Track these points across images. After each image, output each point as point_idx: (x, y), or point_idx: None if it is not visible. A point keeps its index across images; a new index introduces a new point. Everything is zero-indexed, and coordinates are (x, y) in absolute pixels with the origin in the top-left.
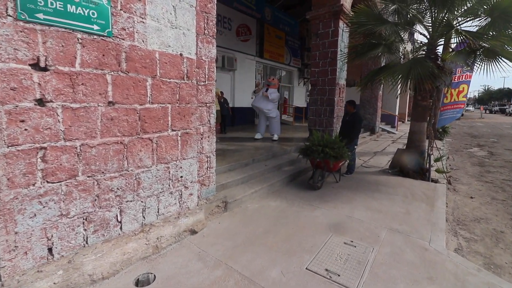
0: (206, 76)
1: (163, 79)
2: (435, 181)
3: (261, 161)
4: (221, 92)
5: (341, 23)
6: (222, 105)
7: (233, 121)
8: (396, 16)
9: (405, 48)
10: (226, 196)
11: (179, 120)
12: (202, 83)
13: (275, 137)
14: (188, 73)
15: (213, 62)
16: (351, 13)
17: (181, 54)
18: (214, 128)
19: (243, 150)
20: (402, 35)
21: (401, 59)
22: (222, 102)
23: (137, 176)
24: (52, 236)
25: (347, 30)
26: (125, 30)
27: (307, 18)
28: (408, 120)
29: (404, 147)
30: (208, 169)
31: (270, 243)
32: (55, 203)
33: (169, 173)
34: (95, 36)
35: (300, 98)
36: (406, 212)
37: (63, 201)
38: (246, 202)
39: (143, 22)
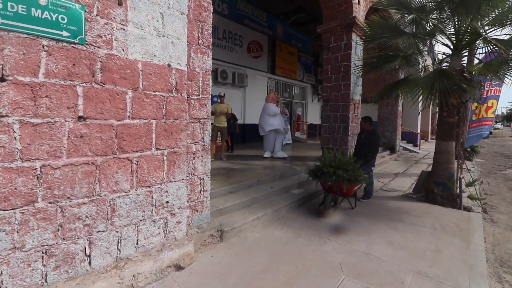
0: (200, 89)
1: (147, 91)
2: (468, 209)
3: (267, 182)
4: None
5: (354, 36)
6: (228, 122)
7: (243, 138)
8: (414, 26)
9: (425, 60)
10: (222, 223)
11: (165, 138)
12: (195, 97)
13: (284, 154)
14: (177, 86)
15: (208, 74)
16: (365, 25)
17: (169, 65)
18: (209, 147)
19: (249, 170)
20: (421, 47)
21: (421, 72)
22: (229, 119)
23: (111, 202)
24: (1, 273)
25: (361, 43)
26: (101, 37)
27: (318, 32)
28: (431, 138)
29: (429, 168)
30: (202, 192)
31: (268, 287)
32: (6, 234)
33: (152, 198)
34: (64, 44)
35: (314, 115)
36: (436, 249)
37: (17, 232)
38: (246, 230)
39: (124, 29)
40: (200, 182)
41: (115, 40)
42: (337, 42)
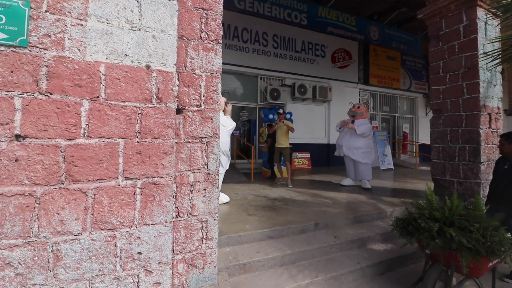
0: (203, 98)
1: (112, 102)
2: None
3: (331, 227)
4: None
5: (480, 12)
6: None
7: (328, 161)
8: None
9: None
10: None
11: (139, 163)
12: (195, 108)
13: (367, 184)
14: (160, 93)
15: (215, 78)
16: None
17: (147, 66)
18: (216, 177)
19: (312, 205)
20: None
21: None
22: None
23: (54, 247)
24: None
25: (493, 20)
26: (50, 37)
27: (419, 18)
28: None
29: None
30: (204, 241)
31: None
32: None
33: (116, 246)
34: (1, 48)
35: (428, 133)
36: None
37: None
38: None
39: (82, 25)
40: (202, 226)
41: (68, 39)
42: (452, 25)
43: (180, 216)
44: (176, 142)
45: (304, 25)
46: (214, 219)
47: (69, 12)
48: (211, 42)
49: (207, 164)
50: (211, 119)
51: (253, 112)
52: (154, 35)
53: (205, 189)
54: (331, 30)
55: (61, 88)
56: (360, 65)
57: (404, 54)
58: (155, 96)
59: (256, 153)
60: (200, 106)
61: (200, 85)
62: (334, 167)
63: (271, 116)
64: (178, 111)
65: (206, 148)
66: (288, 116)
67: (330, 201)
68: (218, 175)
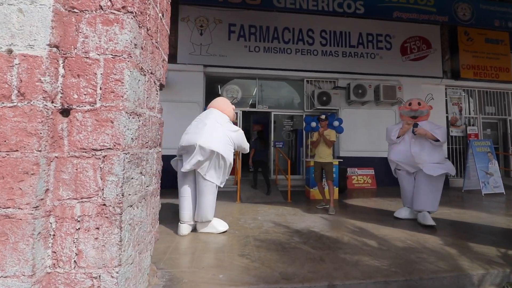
0: (99, 92)
1: None
2: None
3: None
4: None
5: None
6: (261, 152)
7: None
8: None
9: None
10: None
11: None
12: (87, 107)
13: (427, 218)
14: (22, 87)
15: (121, 61)
16: None
17: (9, 51)
18: (117, 209)
19: (341, 247)
20: None
21: None
22: (260, 147)
23: None
24: None
25: None
26: None
27: None
28: None
29: None
30: None
31: None
32: None
33: None
34: None
35: None
36: None
37: None
38: None
39: None
40: (92, 285)
41: None
42: None
43: (59, 267)
44: (57, 157)
45: (360, 15)
46: (112, 276)
47: None
48: (115, 12)
49: (102, 189)
50: (112, 122)
51: (299, 121)
52: (20, 8)
53: (98, 228)
54: (399, 15)
55: None
56: (444, 55)
57: None
58: (16, 91)
59: (302, 169)
60: (95, 103)
61: (96, 74)
62: None
63: (314, 124)
64: (64, 112)
65: (101, 165)
66: (336, 123)
67: (375, 244)
68: (120, 207)
